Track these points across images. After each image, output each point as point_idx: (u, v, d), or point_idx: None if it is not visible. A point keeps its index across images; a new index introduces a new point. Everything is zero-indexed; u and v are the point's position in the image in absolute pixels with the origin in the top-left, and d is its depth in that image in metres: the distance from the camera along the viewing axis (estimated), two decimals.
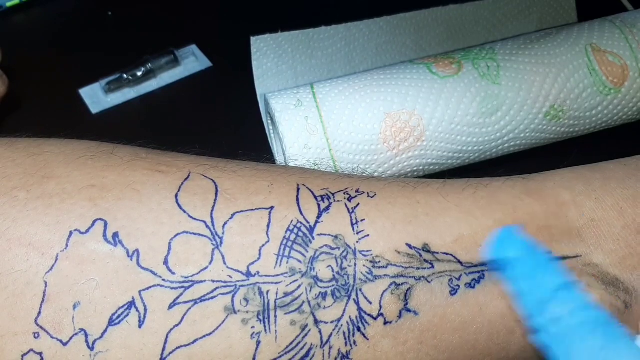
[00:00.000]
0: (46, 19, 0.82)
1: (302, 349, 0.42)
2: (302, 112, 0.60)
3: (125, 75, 0.74)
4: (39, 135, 0.49)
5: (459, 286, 0.45)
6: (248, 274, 0.42)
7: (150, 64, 0.74)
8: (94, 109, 0.73)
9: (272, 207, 0.44)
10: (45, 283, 0.41)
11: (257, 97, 0.68)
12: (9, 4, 0.80)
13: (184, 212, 0.43)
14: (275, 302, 0.42)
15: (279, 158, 0.66)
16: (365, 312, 0.43)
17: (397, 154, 0.60)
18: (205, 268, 0.42)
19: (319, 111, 0.60)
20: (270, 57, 0.67)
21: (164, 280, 0.41)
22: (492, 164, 0.64)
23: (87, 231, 0.42)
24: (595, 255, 0.46)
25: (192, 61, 0.76)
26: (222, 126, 0.71)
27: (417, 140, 0.60)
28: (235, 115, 0.72)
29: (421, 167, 0.61)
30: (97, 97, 0.74)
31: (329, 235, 0.44)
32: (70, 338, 0.40)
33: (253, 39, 0.65)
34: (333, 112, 0.60)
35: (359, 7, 0.71)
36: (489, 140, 0.61)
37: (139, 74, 0.74)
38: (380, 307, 0.43)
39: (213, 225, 0.43)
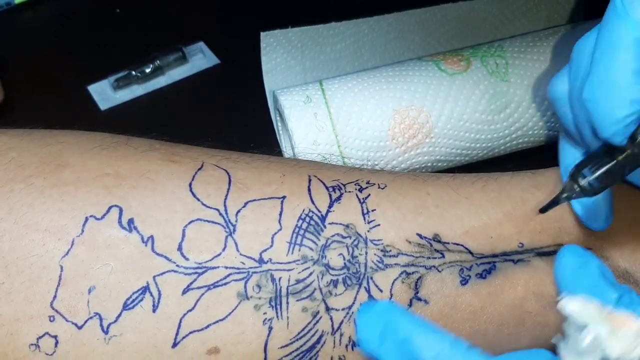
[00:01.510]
0: (54, 15, 0.82)
1: (313, 335, 0.43)
2: (311, 109, 0.60)
3: (133, 72, 0.74)
4: None
5: (469, 276, 0.45)
6: (260, 261, 0.43)
7: (158, 61, 0.75)
8: (103, 105, 0.73)
9: (284, 197, 0.45)
10: (61, 267, 0.41)
11: (266, 93, 0.69)
12: (17, 1, 0.81)
13: (198, 200, 0.44)
14: (287, 288, 0.43)
15: (287, 154, 0.66)
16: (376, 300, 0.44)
17: (406, 151, 0.60)
18: (219, 254, 0.42)
19: (327, 108, 0.60)
20: (279, 52, 0.67)
21: (178, 265, 0.42)
22: (500, 161, 0.64)
23: (103, 217, 0.42)
24: (606, 248, 0.47)
25: (200, 58, 0.77)
26: (231, 123, 0.71)
27: (425, 137, 0.60)
28: (243, 111, 0.72)
29: (429, 164, 0.62)
30: (105, 94, 0.74)
31: (340, 224, 0.45)
32: (85, 321, 0.41)
33: (263, 34, 0.65)
34: (342, 108, 0.60)
35: (369, 4, 0.71)
36: (497, 137, 0.61)
37: (147, 70, 0.74)
38: (391, 295, 0.44)
39: (226, 213, 0.43)
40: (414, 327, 0.37)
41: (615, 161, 0.38)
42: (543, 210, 0.42)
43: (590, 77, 0.37)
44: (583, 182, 0.39)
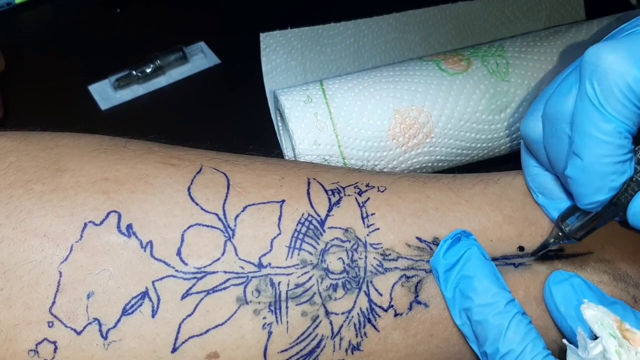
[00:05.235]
0: (55, 15, 0.82)
1: (313, 339, 0.43)
2: (311, 109, 0.60)
3: (134, 72, 0.74)
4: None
5: None
6: (260, 266, 0.42)
7: (159, 61, 0.75)
8: (103, 105, 0.73)
9: (283, 201, 0.45)
10: (60, 273, 0.41)
11: (266, 94, 0.68)
12: (18, 1, 0.81)
13: (197, 204, 0.43)
14: (286, 293, 0.42)
15: (288, 154, 0.66)
16: (375, 304, 0.44)
17: (406, 151, 0.60)
18: (218, 259, 0.42)
19: (328, 107, 0.60)
20: (279, 53, 0.67)
21: (177, 271, 0.42)
22: (500, 161, 0.64)
23: (101, 223, 0.42)
24: (606, 250, 0.47)
25: (201, 58, 0.77)
26: (231, 122, 0.71)
27: (426, 136, 0.60)
28: (243, 111, 0.72)
29: (430, 164, 0.61)
30: (106, 94, 0.74)
31: (340, 228, 0.45)
32: (84, 327, 0.41)
33: (262, 35, 0.65)
34: (342, 108, 0.60)
35: (368, 4, 0.71)
36: (498, 137, 0.61)
37: (148, 70, 0.74)
38: (391, 299, 0.44)
39: (225, 217, 0.43)
40: (481, 273, 0.43)
41: (594, 214, 0.42)
42: (534, 253, 0.46)
43: (572, 160, 0.39)
44: (567, 229, 0.43)
